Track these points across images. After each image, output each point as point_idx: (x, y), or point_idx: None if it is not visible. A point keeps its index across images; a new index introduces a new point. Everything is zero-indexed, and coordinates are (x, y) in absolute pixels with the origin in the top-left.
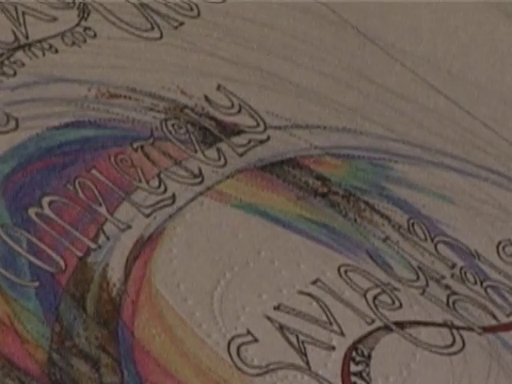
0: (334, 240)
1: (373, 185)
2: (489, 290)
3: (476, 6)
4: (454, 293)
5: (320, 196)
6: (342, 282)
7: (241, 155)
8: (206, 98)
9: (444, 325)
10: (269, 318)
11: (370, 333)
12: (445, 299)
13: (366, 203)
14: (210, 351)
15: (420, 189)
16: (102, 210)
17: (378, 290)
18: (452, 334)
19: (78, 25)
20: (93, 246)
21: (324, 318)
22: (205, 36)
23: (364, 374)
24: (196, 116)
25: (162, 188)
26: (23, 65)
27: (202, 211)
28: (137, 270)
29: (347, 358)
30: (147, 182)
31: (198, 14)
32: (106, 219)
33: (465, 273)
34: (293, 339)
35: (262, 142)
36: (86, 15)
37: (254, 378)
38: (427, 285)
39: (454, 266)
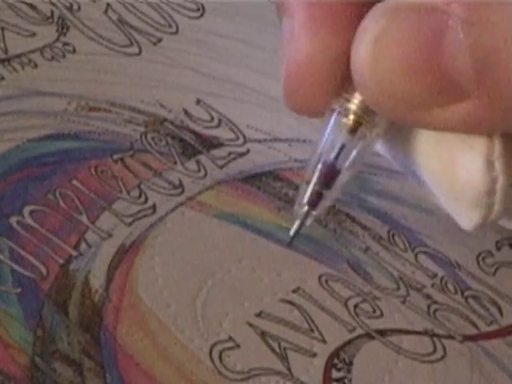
0: (315, 250)
1: (353, 196)
2: (469, 299)
3: None
4: (435, 302)
5: None
6: (323, 291)
7: (221, 167)
8: (186, 112)
9: (425, 333)
10: (251, 325)
11: (352, 340)
12: (426, 308)
13: (347, 214)
14: (193, 356)
15: (400, 201)
16: (83, 218)
17: (359, 299)
18: (433, 342)
19: (57, 40)
20: (74, 253)
21: (305, 325)
22: (183, 52)
23: (346, 381)
24: (176, 129)
25: (143, 198)
26: (3, 78)
27: (183, 221)
28: (119, 276)
29: (329, 365)
30: (128, 193)
31: (177, 30)
32: (88, 228)
33: (445, 283)
34: (275, 345)
35: (241, 154)
36: (65, 31)
37: (236, 382)
38: (408, 294)
39: (434, 275)
